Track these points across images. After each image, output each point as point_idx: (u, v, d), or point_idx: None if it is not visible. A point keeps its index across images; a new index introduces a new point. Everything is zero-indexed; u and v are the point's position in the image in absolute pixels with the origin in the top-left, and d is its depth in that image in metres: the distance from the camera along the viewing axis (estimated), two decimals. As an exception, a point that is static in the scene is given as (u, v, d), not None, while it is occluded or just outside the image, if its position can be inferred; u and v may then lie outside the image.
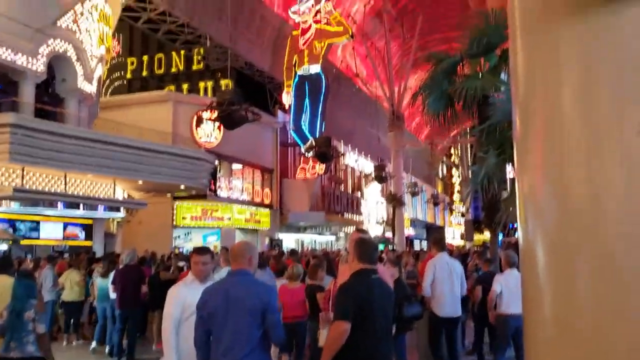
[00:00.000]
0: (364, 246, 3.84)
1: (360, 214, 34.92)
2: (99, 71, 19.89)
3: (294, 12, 28.70)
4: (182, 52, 29.93)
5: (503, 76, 10.69)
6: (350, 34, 28.43)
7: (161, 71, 31.25)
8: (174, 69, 30.98)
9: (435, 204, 48.33)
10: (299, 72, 28.47)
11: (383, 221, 37.86)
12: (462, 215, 60.98)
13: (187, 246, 23.94)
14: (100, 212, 18.77)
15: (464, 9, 35.00)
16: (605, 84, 2.06)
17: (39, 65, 16.45)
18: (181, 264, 9.94)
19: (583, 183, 2.12)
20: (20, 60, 15.89)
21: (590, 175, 2.10)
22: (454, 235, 63.04)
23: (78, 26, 17.82)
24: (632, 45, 2.00)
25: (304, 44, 28.50)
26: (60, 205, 17.08)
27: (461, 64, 11.21)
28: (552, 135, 2.30)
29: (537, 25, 2.24)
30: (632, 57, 1.97)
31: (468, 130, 48.91)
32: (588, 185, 2.11)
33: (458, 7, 36.64)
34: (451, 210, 62.58)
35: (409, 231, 42.28)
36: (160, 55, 31.16)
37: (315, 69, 28.28)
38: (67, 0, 17.11)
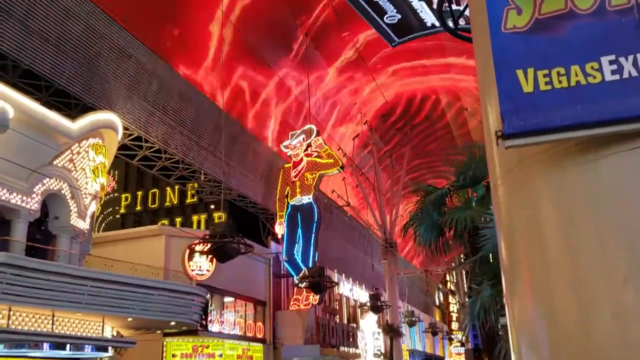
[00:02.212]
0: None
1: (356, 346, 33.76)
2: (93, 208, 20.05)
3: (286, 147, 29.64)
4: (177, 187, 30.47)
5: (491, 204, 10.89)
6: (341, 165, 29.19)
7: (155, 206, 31.65)
8: (167, 203, 31.40)
9: (434, 333, 47.02)
10: (292, 203, 28.84)
11: (381, 354, 36.55)
12: (462, 344, 59.15)
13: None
14: (88, 352, 18.07)
15: (450, 141, 36.44)
16: (587, 233, 2.10)
17: (33, 204, 16.59)
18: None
19: (572, 315, 2.11)
20: (15, 199, 16.04)
21: (579, 309, 2.10)
22: (454, 365, 60.69)
23: (74, 164, 18.21)
24: (606, 196, 2.07)
25: (295, 176, 29.15)
26: (46, 346, 16.46)
27: (449, 195, 11.45)
28: (537, 274, 2.31)
29: (516, 179, 2.33)
30: (608, 207, 2.04)
31: (462, 258, 48.80)
32: (577, 318, 2.10)
33: (445, 139, 38.16)
34: (450, 340, 60.72)
35: (408, 363, 40.73)
36: (155, 190, 31.72)
37: (307, 199, 28.69)
38: (65, 140, 17.62)
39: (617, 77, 2.07)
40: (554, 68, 2.16)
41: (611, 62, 2.10)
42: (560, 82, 2.13)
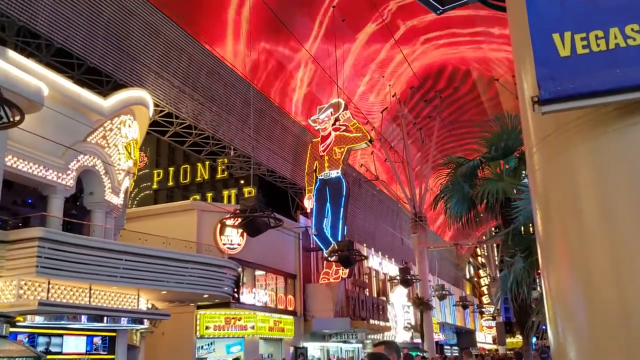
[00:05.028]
0: None
1: (386, 319, 34.00)
2: (126, 183, 20.39)
3: (314, 121, 29.60)
4: (207, 162, 30.78)
5: (524, 175, 10.75)
6: (369, 139, 29.09)
7: (186, 181, 32.06)
8: (198, 179, 31.78)
9: (465, 306, 47.01)
10: (320, 177, 28.92)
11: (411, 326, 36.73)
12: (493, 318, 59.08)
13: (211, 357, 23.37)
14: (124, 324, 18.55)
15: (480, 113, 35.91)
16: (625, 200, 2.07)
17: (68, 180, 16.94)
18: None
19: (610, 285, 2.09)
20: (51, 175, 16.40)
21: (617, 279, 2.07)
22: (485, 339, 60.74)
23: (107, 141, 18.50)
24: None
25: (324, 150, 29.16)
26: (83, 318, 16.94)
27: (481, 167, 11.31)
28: (574, 244, 2.29)
29: (552, 146, 2.29)
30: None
31: (493, 231, 48.41)
32: (616, 288, 2.07)
33: (475, 110, 37.62)
34: (481, 313, 60.66)
35: (439, 336, 40.87)
36: (186, 165, 32.12)
37: (336, 173, 28.73)
38: (97, 117, 17.88)
39: (658, 38, 2.02)
40: (592, 31, 2.11)
41: (652, 24, 2.04)
42: (598, 45, 2.08)
